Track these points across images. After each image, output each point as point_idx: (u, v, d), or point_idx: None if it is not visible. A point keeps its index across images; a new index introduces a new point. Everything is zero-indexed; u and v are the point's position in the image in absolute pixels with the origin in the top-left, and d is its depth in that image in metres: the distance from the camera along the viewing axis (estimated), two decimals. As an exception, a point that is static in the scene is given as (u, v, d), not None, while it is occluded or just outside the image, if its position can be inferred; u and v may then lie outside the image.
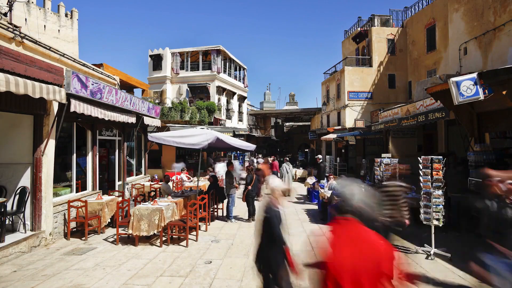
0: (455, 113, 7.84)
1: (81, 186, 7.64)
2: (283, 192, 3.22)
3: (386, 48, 17.88)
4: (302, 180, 15.77)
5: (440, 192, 5.32)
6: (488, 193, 3.18)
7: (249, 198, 8.16)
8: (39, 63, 5.31)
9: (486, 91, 5.24)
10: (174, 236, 6.44)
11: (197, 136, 8.12)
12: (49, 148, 6.09)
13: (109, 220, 7.09)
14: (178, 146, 9.77)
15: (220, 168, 12.80)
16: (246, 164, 15.04)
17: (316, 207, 9.72)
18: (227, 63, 22.52)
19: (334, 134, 17.53)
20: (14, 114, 5.69)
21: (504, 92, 5.11)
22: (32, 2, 31.81)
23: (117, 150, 9.43)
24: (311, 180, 12.05)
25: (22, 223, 5.80)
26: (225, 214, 8.87)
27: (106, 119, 7.17)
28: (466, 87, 5.18)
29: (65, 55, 6.88)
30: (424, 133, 12.40)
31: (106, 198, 7.30)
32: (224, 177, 8.84)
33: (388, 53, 17.87)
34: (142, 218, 5.97)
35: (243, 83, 25.48)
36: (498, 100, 5.96)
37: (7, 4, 6.66)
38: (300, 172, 17.26)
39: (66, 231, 6.58)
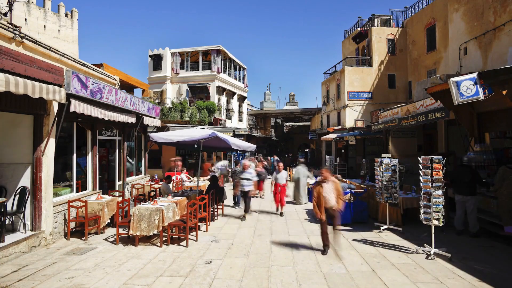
0: (455, 113, 7.84)
1: (81, 186, 7.64)
2: None
3: (386, 48, 17.88)
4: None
5: (440, 192, 5.32)
6: None
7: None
8: (39, 63, 5.31)
9: (486, 91, 5.24)
10: (174, 236, 6.43)
11: (196, 134, 8.22)
12: (49, 148, 6.09)
13: (109, 220, 7.09)
14: (178, 145, 9.79)
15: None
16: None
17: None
18: (227, 63, 22.51)
19: (334, 134, 17.53)
20: (14, 114, 5.69)
21: (504, 92, 5.10)
22: (32, 2, 31.79)
23: (117, 150, 9.43)
24: (311, 180, 12.04)
25: (22, 223, 5.80)
26: (225, 213, 8.92)
27: (106, 119, 7.17)
28: (466, 87, 5.18)
29: (65, 55, 6.88)
30: (424, 133, 12.41)
31: (106, 198, 7.30)
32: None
33: (388, 53, 17.87)
34: (142, 218, 5.97)
35: (243, 83, 25.48)
36: (498, 100, 5.97)
37: (7, 4, 6.65)
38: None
39: (66, 231, 6.58)
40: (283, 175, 9.22)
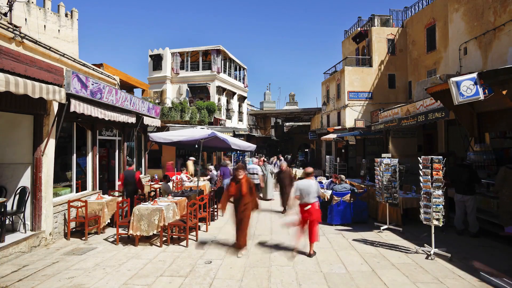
0: (455, 113, 7.84)
1: (81, 186, 7.64)
2: None
3: (386, 48, 17.88)
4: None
5: (440, 192, 5.32)
6: None
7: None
8: (39, 63, 5.31)
9: (486, 91, 5.23)
10: (174, 236, 6.43)
11: (196, 134, 8.25)
12: (49, 148, 6.09)
13: (109, 220, 7.09)
14: (178, 145, 9.81)
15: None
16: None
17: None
18: (227, 63, 22.51)
19: (334, 134, 17.52)
20: (14, 114, 5.69)
21: (504, 92, 5.10)
22: (32, 2, 31.79)
23: (117, 150, 9.43)
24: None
25: (22, 223, 5.80)
26: (223, 215, 8.90)
27: (106, 119, 7.17)
28: (466, 87, 5.18)
29: (65, 55, 6.88)
30: (424, 133, 12.40)
31: (106, 198, 7.30)
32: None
33: (388, 53, 17.87)
34: (142, 218, 5.97)
35: (243, 83, 25.47)
36: (498, 100, 5.97)
37: (7, 4, 6.65)
38: (300, 172, 17.24)
39: (66, 231, 6.59)
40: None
